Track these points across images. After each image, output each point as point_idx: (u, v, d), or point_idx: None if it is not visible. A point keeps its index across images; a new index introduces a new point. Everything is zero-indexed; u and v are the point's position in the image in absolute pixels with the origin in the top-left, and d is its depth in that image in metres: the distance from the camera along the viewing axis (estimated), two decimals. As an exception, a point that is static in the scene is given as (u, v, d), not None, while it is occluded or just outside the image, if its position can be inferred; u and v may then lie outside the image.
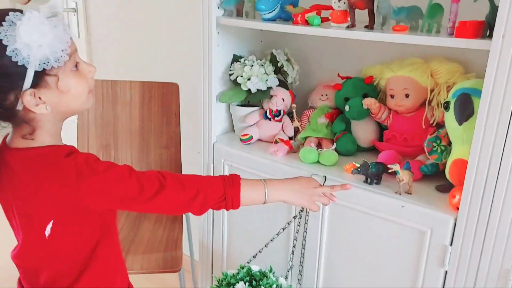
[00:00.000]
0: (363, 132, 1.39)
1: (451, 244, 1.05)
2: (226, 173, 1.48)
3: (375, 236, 1.17)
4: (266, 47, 1.59)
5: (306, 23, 1.25)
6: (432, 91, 1.26)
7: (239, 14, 1.42)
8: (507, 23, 0.87)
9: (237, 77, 1.44)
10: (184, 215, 1.78)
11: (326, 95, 1.49)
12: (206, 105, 1.46)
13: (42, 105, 0.84)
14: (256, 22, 1.31)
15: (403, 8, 1.12)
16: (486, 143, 0.95)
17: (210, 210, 1.54)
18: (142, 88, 1.81)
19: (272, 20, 1.35)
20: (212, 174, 1.51)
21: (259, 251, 1.26)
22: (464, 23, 0.96)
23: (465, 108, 1.05)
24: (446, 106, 1.12)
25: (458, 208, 1.03)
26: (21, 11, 0.82)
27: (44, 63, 0.80)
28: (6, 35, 0.78)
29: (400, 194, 1.14)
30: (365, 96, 1.36)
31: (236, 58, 1.50)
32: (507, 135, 0.92)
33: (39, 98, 0.83)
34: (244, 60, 1.46)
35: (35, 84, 0.82)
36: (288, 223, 1.26)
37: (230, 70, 1.48)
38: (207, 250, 1.62)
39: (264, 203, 0.99)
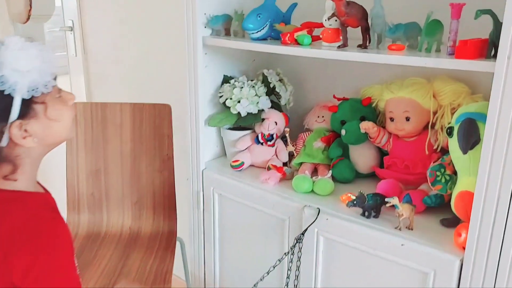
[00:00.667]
0: (362, 157, 1.29)
1: (457, 289, 0.93)
2: (216, 203, 1.38)
3: (373, 277, 1.06)
4: (259, 66, 1.50)
5: (296, 42, 1.16)
6: (435, 113, 1.15)
7: (227, 33, 1.34)
8: (513, 42, 0.76)
9: (226, 99, 1.35)
10: (178, 244, 1.69)
11: (323, 116, 1.39)
12: (194, 130, 1.38)
13: (29, 138, 0.77)
14: (242, 42, 1.22)
15: (400, 25, 1.02)
16: (494, 174, 0.84)
17: (201, 242, 1.46)
18: (133, 110, 1.73)
19: (262, 39, 1.26)
20: (201, 203, 1.42)
21: (249, 291, 1.16)
22: (465, 42, 0.86)
23: (470, 135, 0.94)
24: (450, 131, 1.01)
25: (464, 248, 0.91)
26: None
27: (33, 90, 0.74)
28: None
29: (400, 229, 1.03)
30: (363, 119, 1.25)
31: (226, 79, 1.41)
32: (517, 168, 0.81)
33: (25, 130, 0.76)
34: (234, 82, 1.37)
35: (23, 115, 0.75)
36: (279, 260, 1.15)
37: (219, 92, 1.39)
38: (199, 282, 1.53)
39: None
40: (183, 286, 1.74)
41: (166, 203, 1.76)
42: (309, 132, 1.41)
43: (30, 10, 2.57)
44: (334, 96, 1.35)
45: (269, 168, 1.33)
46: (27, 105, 0.75)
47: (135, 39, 2.07)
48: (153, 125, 1.73)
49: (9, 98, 0.73)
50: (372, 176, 1.28)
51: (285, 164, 1.39)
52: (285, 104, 1.44)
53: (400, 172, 1.19)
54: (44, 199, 0.84)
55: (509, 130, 0.80)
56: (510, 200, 0.83)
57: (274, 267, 1.15)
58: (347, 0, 1.02)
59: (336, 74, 1.42)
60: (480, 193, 0.86)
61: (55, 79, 0.80)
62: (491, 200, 0.85)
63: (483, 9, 0.85)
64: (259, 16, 1.22)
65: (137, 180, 1.76)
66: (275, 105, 1.43)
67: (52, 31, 2.62)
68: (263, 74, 1.41)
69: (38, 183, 0.88)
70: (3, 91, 0.72)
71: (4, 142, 0.75)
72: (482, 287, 0.89)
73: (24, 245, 0.73)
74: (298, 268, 1.14)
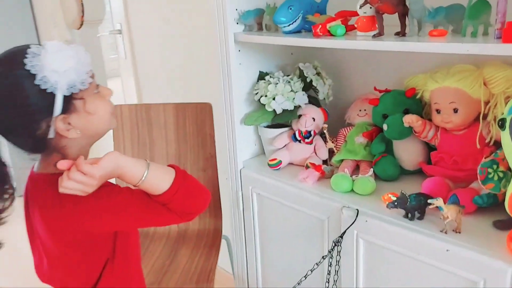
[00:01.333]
0: (407, 153, 1.20)
1: (511, 300, 0.83)
2: (255, 202, 1.36)
3: (417, 283, 0.98)
4: (297, 60, 1.45)
5: (330, 33, 1.10)
6: (487, 103, 1.04)
7: (260, 28, 1.30)
8: None
9: (261, 97, 1.32)
10: (224, 242, 1.69)
11: (365, 110, 1.32)
12: (230, 129, 1.36)
13: (73, 130, 0.86)
14: (272, 37, 1.18)
15: (440, 8, 0.93)
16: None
17: (243, 241, 1.44)
18: (176, 110, 1.75)
19: (295, 32, 1.21)
20: (241, 203, 1.40)
21: (286, 295, 1.13)
22: (513, 23, 0.76)
23: (525, 127, 0.83)
24: (502, 124, 0.91)
25: (519, 255, 0.82)
26: (39, 44, 0.85)
27: (72, 87, 0.83)
28: (32, 65, 0.80)
29: (446, 233, 0.94)
30: (406, 112, 1.16)
31: (262, 76, 1.38)
32: None
33: (69, 123, 0.85)
34: (269, 78, 1.33)
35: (65, 110, 0.84)
36: (317, 264, 1.11)
37: (255, 89, 1.36)
38: (243, 281, 1.52)
39: None
40: (231, 281, 1.74)
41: (212, 201, 1.76)
42: (350, 127, 1.34)
43: (82, 16, 2.69)
44: (375, 88, 1.27)
45: (307, 167, 1.28)
46: (68, 101, 0.84)
47: (178, 39, 2.09)
48: (196, 124, 1.74)
49: (52, 96, 0.82)
50: (419, 173, 1.18)
51: (325, 161, 1.34)
52: (324, 99, 1.38)
53: (448, 169, 1.09)
54: None
55: None
56: None
57: (311, 271, 1.11)
58: (380, -15, 0.94)
59: (378, 64, 1.33)
60: (535, 194, 0.76)
61: (91, 76, 0.88)
62: (548, 202, 0.75)
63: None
64: (291, 8, 1.17)
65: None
66: (313, 100, 1.37)
67: (103, 35, 2.71)
68: (299, 68, 1.36)
69: None
70: (45, 89, 0.81)
71: (52, 134, 0.84)
72: (541, 299, 0.79)
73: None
74: (336, 272, 1.09)
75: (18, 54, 0.82)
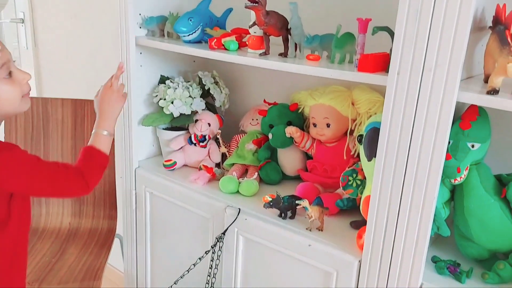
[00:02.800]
0: (289, 160, 1.34)
1: (356, 288, 0.99)
2: (148, 201, 1.41)
3: (286, 276, 1.11)
4: (198, 68, 1.53)
5: (224, 47, 1.20)
6: (354, 121, 1.20)
7: (163, 34, 1.36)
8: (401, 59, 0.82)
9: (160, 100, 1.38)
10: (118, 240, 1.70)
11: (257, 119, 1.43)
12: (126, 128, 1.39)
13: None
14: (171, 44, 1.25)
15: (316, 36, 1.07)
16: (385, 181, 0.89)
17: (134, 240, 1.48)
18: (74, 106, 1.73)
19: (196, 42, 1.29)
20: (133, 202, 1.44)
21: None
22: (366, 56, 0.91)
23: (374, 143, 0.99)
24: (360, 139, 1.07)
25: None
26: None
27: None
28: None
29: (310, 230, 1.08)
30: (289, 123, 1.30)
31: (163, 79, 1.44)
32: (405, 174, 0.86)
33: None
34: (170, 82, 1.40)
35: None
36: (199, 258, 1.19)
37: (154, 92, 1.41)
38: (132, 279, 1.54)
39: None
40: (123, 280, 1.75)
41: (107, 201, 1.77)
42: (243, 134, 1.45)
43: (-19, -1, 2.51)
44: (264, 101, 1.39)
45: (200, 169, 1.36)
46: None
47: (83, 35, 2.07)
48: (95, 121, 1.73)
49: None
50: (298, 178, 1.32)
51: (218, 165, 1.43)
52: (220, 106, 1.47)
53: (320, 176, 1.24)
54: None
55: (398, 139, 0.86)
56: (399, 205, 0.89)
57: (194, 265, 1.19)
58: (267, 10, 1.06)
59: (270, 79, 1.47)
60: (375, 197, 0.92)
61: (5, 63, 0.90)
62: (383, 204, 0.91)
63: (380, 26, 0.91)
64: (191, 20, 1.25)
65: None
66: (210, 107, 1.46)
67: (4, 22, 2.56)
68: (198, 76, 1.44)
69: None
70: None
71: None
72: (377, 285, 0.95)
73: None
74: (216, 266, 1.18)
75: None
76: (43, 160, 0.99)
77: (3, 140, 1.05)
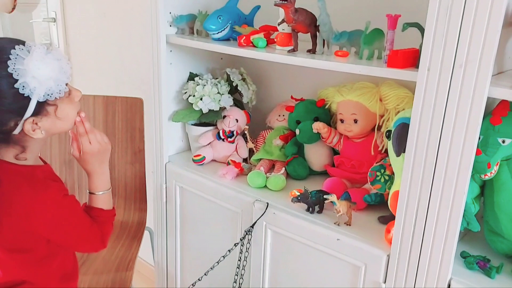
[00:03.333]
0: (316, 156, 1.35)
1: (384, 282, 1.00)
2: (178, 195, 1.44)
3: (314, 269, 1.13)
4: (226, 65, 1.56)
5: (253, 45, 1.22)
6: (382, 116, 1.21)
7: (192, 32, 1.39)
8: (432, 55, 0.82)
9: (189, 96, 1.41)
10: (148, 234, 1.75)
11: (284, 115, 1.45)
12: (157, 124, 1.44)
13: (38, 130, 0.89)
14: (201, 42, 1.28)
15: (344, 32, 1.08)
16: (415, 176, 0.90)
17: (164, 232, 1.52)
18: (106, 103, 1.79)
19: (224, 39, 1.32)
20: (164, 195, 1.48)
21: (198, 279, 1.23)
22: (396, 52, 0.92)
23: (403, 138, 1.00)
24: (388, 135, 1.08)
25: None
26: (23, 43, 0.85)
27: (48, 95, 0.86)
28: (14, 68, 0.81)
29: (338, 225, 1.09)
30: (316, 119, 1.32)
31: (192, 76, 1.47)
32: (435, 170, 0.87)
33: (36, 123, 0.88)
34: (198, 79, 1.43)
35: (36, 113, 0.87)
36: (229, 250, 1.22)
37: (184, 89, 1.45)
38: (162, 271, 1.59)
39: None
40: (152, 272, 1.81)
41: (137, 195, 1.82)
42: (270, 130, 1.47)
43: (15, 0, 2.60)
44: (291, 97, 1.41)
45: (228, 164, 1.39)
46: (41, 105, 0.87)
47: (113, 33, 2.12)
48: (126, 118, 1.79)
49: (27, 100, 0.84)
50: (325, 174, 1.34)
51: (245, 160, 1.46)
52: (248, 102, 1.50)
53: (347, 171, 1.25)
54: (46, 169, 0.99)
55: (428, 135, 0.87)
56: (429, 200, 0.89)
57: (224, 257, 1.22)
58: (296, 7, 1.07)
59: (297, 75, 1.48)
60: (404, 193, 0.92)
61: (67, 84, 0.91)
62: (412, 199, 0.91)
63: (410, 22, 0.91)
64: (220, 18, 1.28)
65: (110, 171, 1.81)
66: (238, 103, 1.49)
67: (36, 22, 2.65)
68: (226, 73, 1.47)
69: (39, 157, 1.02)
70: (23, 94, 0.83)
71: (17, 131, 0.88)
72: (405, 281, 0.96)
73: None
74: (246, 258, 1.21)
75: (2, 52, 0.82)
76: (81, 210, 0.99)
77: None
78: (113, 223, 1.08)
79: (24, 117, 0.86)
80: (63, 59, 0.88)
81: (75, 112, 0.96)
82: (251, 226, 1.20)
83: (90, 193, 1.06)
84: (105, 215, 1.06)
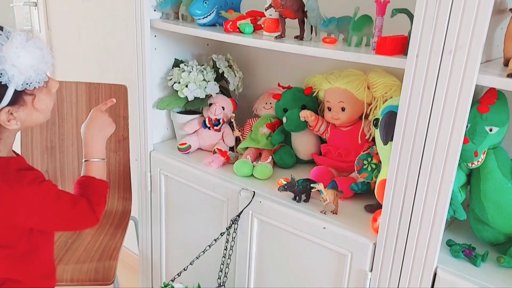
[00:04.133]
0: (303, 144, 1.34)
1: (371, 270, 1.00)
2: (163, 184, 1.42)
3: (300, 257, 1.12)
4: (212, 51, 1.53)
5: (239, 30, 1.19)
6: (369, 105, 1.20)
7: (177, 17, 1.36)
8: (421, 41, 0.81)
9: (174, 83, 1.38)
10: (132, 222, 1.73)
11: (271, 103, 1.43)
12: (142, 112, 1.41)
13: (13, 121, 0.86)
14: (186, 27, 1.25)
15: (333, 19, 1.06)
16: (402, 164, 0.89)
17: (148, 221, 1.50)
18: (89, 90, 1.74)
19: (210, 25, 1.29)
20: (149, 184, 1.46)
21: (184, 269, 1.21)
22: (384, 39, 0.91)
23: (390, 126, 0.99)
24: (376, 123, 1.07)
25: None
26: (1, 29, 0.81)
27: (27, 84, 0.82)
28: None
29: (325, 213, 1.09)
30: (303, 107, 1.30)
31: (177, 63, 1.44)
32: (422, 158, 0.86)
33: (11, 114, 0.85)
34: (184, 66, 1.40)
35: (12, 102, 0.83)
36: (215, 240, 1.20)
37: (169, 75, 1.42)
38: (147, 261, 1.57)
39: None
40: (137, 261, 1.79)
41: (121, 183, 1.79)
42: (256, 118, 1.45)
43: (-6, -18, 2.52)
44: (279, 85, 1.39)
45: (214, 152, 1.37)
46: (18, 95, 0.83)
47: (97, 18, 2.07)
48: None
49: (4, 88, 0.80)
50: (312, 162, 1.33)
51: (232, 148, 1.44)
52: (234, 90, 1.47)
53: (334, 160, 1.24)
54: (20, 161, 0.95)
55: (415, 123, 0.86)
56: (416, 188, 0.89)
57: (210, 247, 1.20)
58: (284, -9, 1.05)
59: (284, 62, 1.46)
60: (391, 181, 0.92)
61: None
62: (399, 188, 0.91)
63: (400, 8, 0.90)
64: (206, 3, 1.24)
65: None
66: (224, 91, 1.47)
67: (17, 5, 2.57)
68: (212, 59, 1.44)
69: (12, 150, 0.98)
70: (0, 81, 0.79)
71: None
72: (391, 268, 0.96)
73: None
74: (232, 247, 1.20)
75: None
76: (60, 193, 0.95)
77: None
78: (106, 196, 1.05)
79: (0, 106, 0.82)
80: (45, 48, 0.85)
81: (52, 104, 0.92)
82: (237, 216, 1.19)
83: (85, 161, 1.04)
84: (97, 183, 1.03)
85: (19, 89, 0.82)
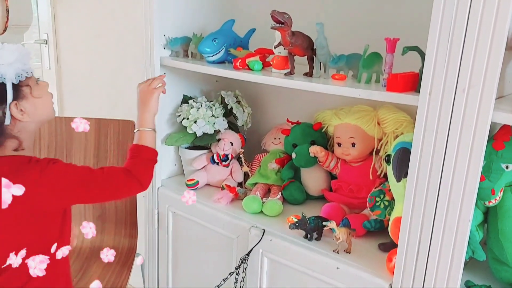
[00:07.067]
0: (313, 180, 1.32)
1: (387, 313, 0.96)
2: (170, 221, 1.40)
3: (311, 298, 1.08)
4: (221, 87, 1.54)
5: (248, 67, 1.20)
6: (380, 140, 1.19)
7: (187, 54, 1.37)
8: (433, 79, 0.81)
9: (183, 119, 1.38)
10: (137, 260, 1.69)
11: (279, 139, 1.43)
12: (150, 148, 1.40)
13: (25, 114, 0.96)
14: (196, 64, 1.26)
15: (342, 56, 1.07)
16: (418, 203, 0.87)
17: (155, 258, 1.47)
18: (98, 126, 1.75)
19: (219, 62, 1.30)
20: (156, 221, 1.43)
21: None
22: (395, 75, 0.91)
23: (404, 163, 0.98)
24: (387, 159, 1.05)
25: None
26: None
27: (19, 75, 0.93)
28: None
29: (338, 252, 1.06)
30: (313, 143, 1.29)
31: (186, 99, 1.45)
32: (438, 196, 0.84)
33: (21, 109, 0.95)
34: (193, 102, 1.40)
35: (15, 96, 0.94)
36: (223, 280, 1.17)
37: (177, 111, 1.42)
38: (153, 299, 1.53)
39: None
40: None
41: (128, 219, 1.77)
42: (265, 153, 1.44)
43: (7, 21, 2.58)
44: (287, 120, 1.39)
45: (223, 188, 1.35)
46: (17, 88, 0.94)
47: (107, 55, 2.10)
48: (117, 141, 1.75)
49: (3, 85, 0.92)
50: (322, 198, 1.31)
51: (240, 184, 1.42)
52: (243, 125, 1.47)
53: (345, 196, 1.22)
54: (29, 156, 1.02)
55: (430, 161, 0.84)
56: (432, 227, 0.86)
57: (219, 287, 1.17)
58: (293, 30, 1.06)
59: (293, 98, 1.46)
60: (406, 220, 0.90)
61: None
62: (415, 227, 0.88)
63: (410, 46, 0.90)
64: (215, 41, 1.26)
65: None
66: (233, 126, 1.46)
67: (28, 43, 2.62)
68: (221, 95, 1.45)
69: None
70: None
71: (8, 120, 0.94)
72: (409, 311, 0.92)
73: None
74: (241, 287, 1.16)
75: None
76: (91, 168, 1.02)
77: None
78: (153, 167, 1.11)
79: (8, 102, 0.92)
80: (19, 45, 0.95)
81: (49, 96, 1.01)
82: (246, 254, 1.16)
83: (137, 131, 1.15)
84: (146, 151, 1.11)
85: (14, 82, 0.92)
